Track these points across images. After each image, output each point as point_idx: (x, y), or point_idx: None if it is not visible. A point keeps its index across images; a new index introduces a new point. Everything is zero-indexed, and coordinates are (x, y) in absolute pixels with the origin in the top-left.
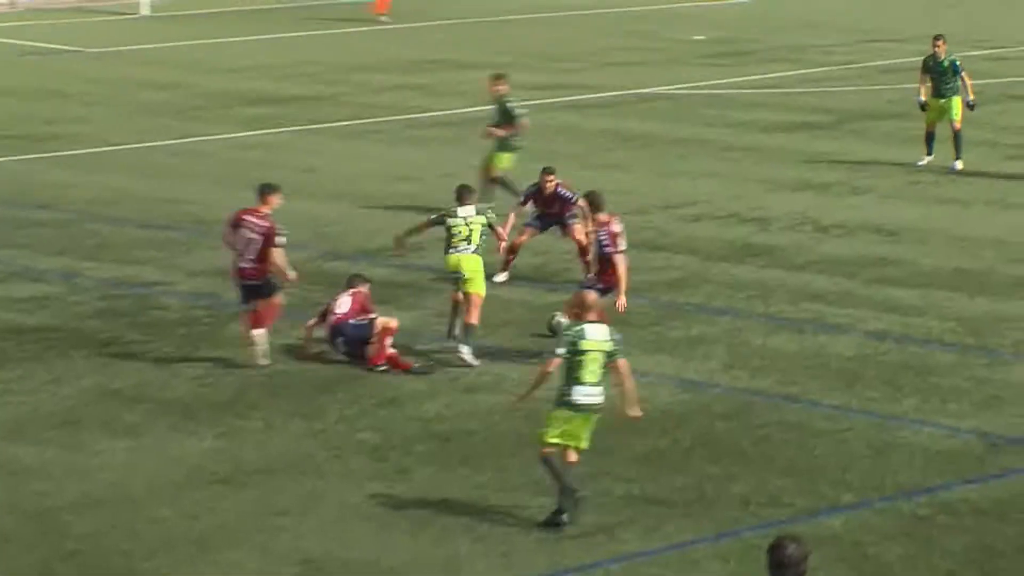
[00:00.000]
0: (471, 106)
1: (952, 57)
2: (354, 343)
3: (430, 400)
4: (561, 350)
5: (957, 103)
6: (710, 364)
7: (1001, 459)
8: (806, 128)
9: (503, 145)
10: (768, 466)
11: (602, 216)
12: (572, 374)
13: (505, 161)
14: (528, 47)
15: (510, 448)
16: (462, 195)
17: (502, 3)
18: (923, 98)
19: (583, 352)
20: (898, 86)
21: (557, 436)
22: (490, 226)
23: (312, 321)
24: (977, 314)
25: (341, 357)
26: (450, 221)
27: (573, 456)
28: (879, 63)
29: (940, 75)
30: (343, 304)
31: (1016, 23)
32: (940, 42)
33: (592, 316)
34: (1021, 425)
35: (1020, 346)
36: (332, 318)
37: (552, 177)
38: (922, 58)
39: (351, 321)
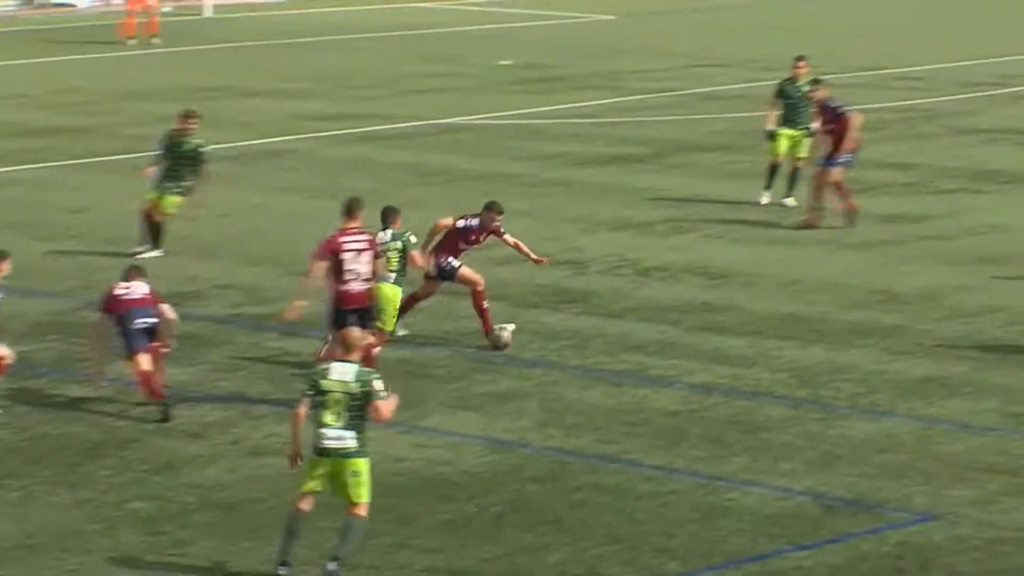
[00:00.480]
0: (257, 138)
1: (810, 81)
2: (150, 333)
3: (210, 465)
4: (306, 390)
5: (803, 136)
6: (521, 422)
7: (837, 522)
8: (623, 161)
9: (171, 187)
10: (585, 533)
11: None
12: (317, 416)
13: (170, 205)
14: (317, 72)
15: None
16: (386, 217)
17: (289, 24)
18: (771, 127)
19: (324, 393)
20: (723, 115)
21: (311, 484)
22: (405, 251)
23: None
24: (810, 364)
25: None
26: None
27: (357, 510)
28: (701, 90)
29: (797, 102)
30: (139, 288)
31: (843, 47)
32: (801, 64)
33: (353, 355)
34: (858, 485)
35: (857, 399)
36: (126, 297)
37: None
38: (776, 82)
39: (149, 309)
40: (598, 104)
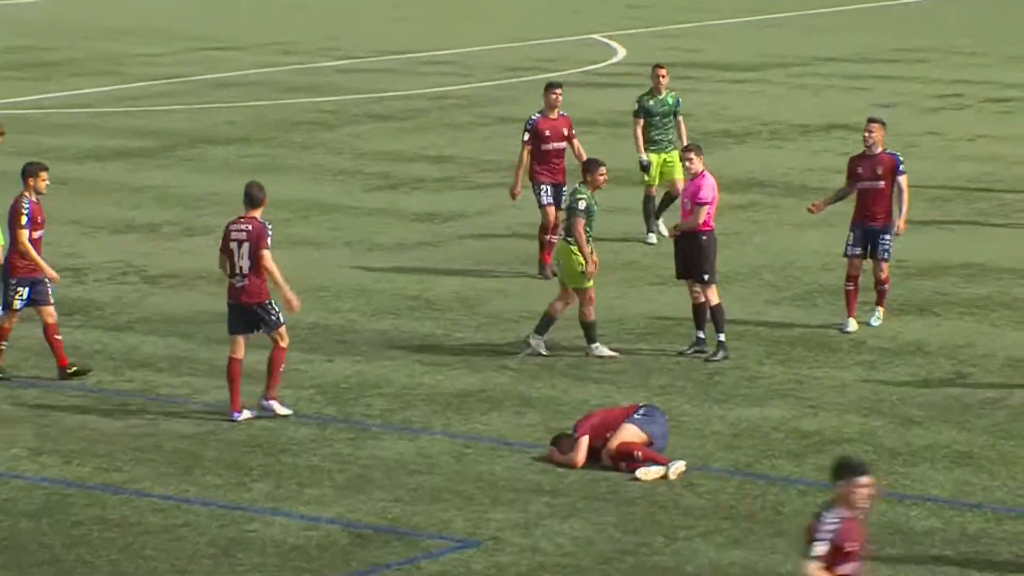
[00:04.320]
0: None
1: (675, 93)
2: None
3: None
4: None
5: (677, 157)
6: (13, 450)
7: (369, 552)
8: (127, 156)
9: None
10: (88, 573)
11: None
12: None
13: None
14: None
15: None
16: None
17: None
18: (645, 156)
19: None
20: (237, 104)
21: None
22: None
23: None
24: (338, 379)
25: None
26: None
27: None
28: (212, 76)
29: (661, 119)
30: None
31: (371, 28)
32: (663, 72)
33: None
34: (391, 510)
35: (389, 415)
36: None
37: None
38: (638, 97)
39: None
40: (96, 92)
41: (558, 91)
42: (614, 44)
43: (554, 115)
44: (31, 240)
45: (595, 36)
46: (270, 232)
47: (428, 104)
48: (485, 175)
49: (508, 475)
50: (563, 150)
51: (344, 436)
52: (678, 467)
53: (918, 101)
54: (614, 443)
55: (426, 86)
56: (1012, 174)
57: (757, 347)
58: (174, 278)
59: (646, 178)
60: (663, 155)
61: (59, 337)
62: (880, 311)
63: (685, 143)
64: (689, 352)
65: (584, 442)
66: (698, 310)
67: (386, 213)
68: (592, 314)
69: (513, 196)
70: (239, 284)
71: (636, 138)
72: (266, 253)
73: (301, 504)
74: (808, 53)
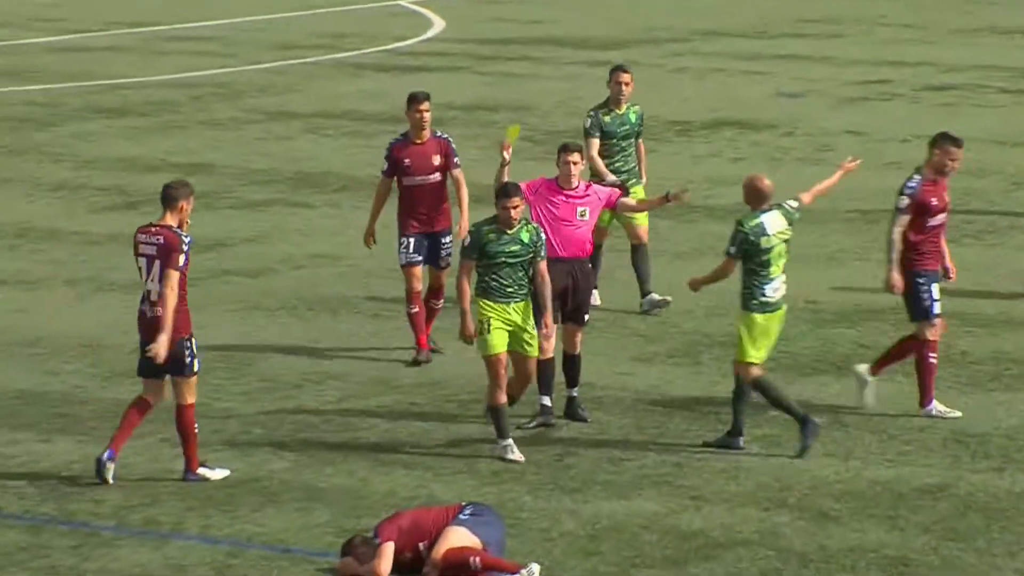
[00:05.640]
0: None
1: (638, 107)
2: None
3: None
4: None
5: (641, 193)
6: None
7: None
8: None
9: None
10: None
11: None
12: None
13: None
14: None
15: None
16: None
17: None
18: (611, 176)
19: None
20: None
21: None
22: None
23: None
24: (56, 465)
25: None
26: None
27: None
28: None
29: (621, 140)
30: None
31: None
32: (626, 78)
33: None
34: None
35: (127, 514)
36: None
37: None
38: (588, 111)
39: None
40: None
41: (423, 106)
42: (427, 13)
43: (421, 138)
44: None
45: (401, 3)
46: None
47: (177, 95)
48: (255, 189)
49: None
50: (438, 185)
51: (65, 543)
52: (532, 572)
53: (833, 89)
54: (440, 551)
55: (173, 70)
56: (958, 186)
57: (621, 418)
58: None
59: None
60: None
61: None
62: None
63: (644, 175)
64: (532, 425)
65: (389, 549)
66: (571, 363)
67: (122, 240)
68: (499, 398)
69: (367, 243)
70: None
71: (594, 160)
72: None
73: None
74: (688, 25)
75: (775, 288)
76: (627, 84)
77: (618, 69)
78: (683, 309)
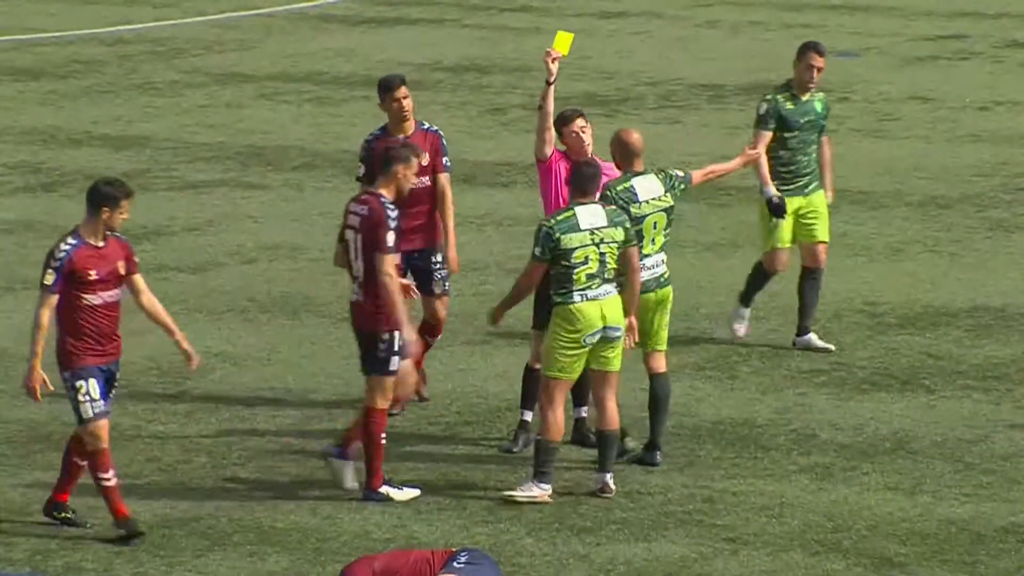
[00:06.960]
0: None
1: (822, 94)
2: None
3: None
4: None
5: (823, 202)
6: None
7: None
8: None
9: None
10: None
11: None
12: None
13: None
14: None
15: None
16: None
17: None
18: (773, 190)
19: None
20: None
21: None
22: None
23: None
24: None
25: None
26: None
27: None
28: None
29: (802, 132)
30: None
31: None
32: (820, 61)
33: None
34: None
35: (44, 560)
36: None
37: None
38: (766, 97)
39: None
40: None
41: (400, 93)
42: None
43: (404, 131)
44: None
45: None
46: None
47: (103, 51)
48: (198, 167)
49: None
50: (428, 190)
51: None
52: None
53: (896, 47)
54: None
55: (99, 24)
56: None
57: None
58: None
59: (772, 230)
60: (801, 197)
61: None
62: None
63: (829, 186)
64: (519, 449)
65: None
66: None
67: (38, 229)
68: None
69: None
70: None
71: (760, 168)
72: None
73: None
74: None
75: (650, 267)
76: (820, 69)
77: (811, 49)
78: (715, 311)
